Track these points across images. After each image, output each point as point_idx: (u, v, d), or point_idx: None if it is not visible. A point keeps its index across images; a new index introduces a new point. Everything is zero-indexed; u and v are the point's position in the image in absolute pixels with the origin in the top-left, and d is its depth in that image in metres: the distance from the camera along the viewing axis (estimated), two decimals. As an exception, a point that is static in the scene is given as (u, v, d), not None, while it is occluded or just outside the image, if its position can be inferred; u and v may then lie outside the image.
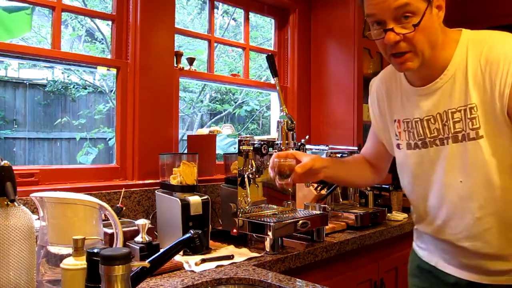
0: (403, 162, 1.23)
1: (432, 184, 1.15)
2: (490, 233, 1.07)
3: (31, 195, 1.12)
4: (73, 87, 4.93)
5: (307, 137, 2.08)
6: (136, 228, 1.40)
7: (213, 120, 5.39)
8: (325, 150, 2.09)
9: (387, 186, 2.45)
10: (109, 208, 1.13)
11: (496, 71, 1.00)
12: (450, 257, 1.19)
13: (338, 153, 2.10)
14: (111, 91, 4.87)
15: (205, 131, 2.10)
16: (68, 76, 4.91)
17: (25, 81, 4.72)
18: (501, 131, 1.02)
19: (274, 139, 1.75)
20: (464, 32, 1.09)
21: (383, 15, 1.01)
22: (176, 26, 2.03)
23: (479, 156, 1.04)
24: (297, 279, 1.29)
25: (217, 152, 2.10)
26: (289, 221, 1.62)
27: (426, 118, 1.13)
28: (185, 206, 1.55)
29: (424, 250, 1.28)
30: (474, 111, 1.04)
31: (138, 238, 1.37)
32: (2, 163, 0.97)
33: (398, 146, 1.23)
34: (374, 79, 1.36)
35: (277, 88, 1.77)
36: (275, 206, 1.84)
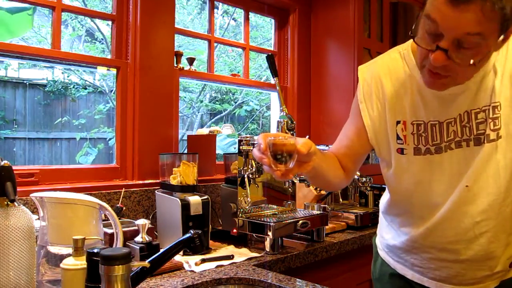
0: (405, 168, 1.10)
1: (434, 190, 1.07)
2: (485, 236, 1.04)
3: (31, 195, 1.12)
4: (73, 87, 4.93)
5: (307, 137, 2.08)
6: (136, 228, 1.40)
7: (213, 120, 5.40)
8: (325, 150, 2.08)
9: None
10: (109, 208, 1.13)
11: None
12: (428, 270, 1.14)
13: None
14: (111, 91, 4.88)
15: (205, 131, 2.10)
16: (68, 76, 4.91)
17: (25, 81, 4.72)
18: None
19: (274, 139, 1.74)
20: None
21: (447, 31, 0.85)
22: (176, 26, 2.03)
23: (493, 158, 0.99)
24: (297, 279, 1.29)
25: (217, 152, 2.10)
26: (289, 221, 1.62)
27: (447, 121, 1.02)
28: (185, 206, 1.55)
29: (398, 263, 1.23)
30: (498, 110, 0.97)
31: (138, 238, 1.37)
32: (2, 163, 0.97)
33: (400, 151, 1.09)
34: (366, 67, 1.17)
35: (277, 88, 1.77)
36: (275, 206, 1.84)
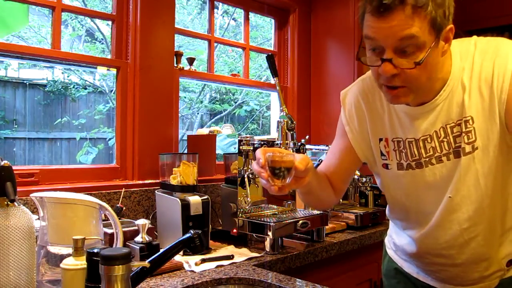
0: (394, 182, 1.16)
1: (421, 200, 1.12)
2: (475, 240, 1.07)
3: (31, 195, 1.12)
4: (73, 87, 4.93)
5: (307, 137, 2.08)
6: (136, 228, 1.40)
7: (213, 120, 5.39)
8: (325, 150, 2.08)
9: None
10: (109, 208, 1.13)
11: (492, 76, 0.97)
12: (429, 271, 1.18)
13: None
14: (111, 91, 4.87)
15: (205, 131, 2.10)
16: (68, 76, 4.91)
17: (25, 81, 4.72)
18: (496, 138, 1.00)
19: (274, 139, 1.75)
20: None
21: (384, 42, 0.91)
22: (176, 26, 2.03)
23: (471, 169, 1.02)
24: (297, 279, 1.29)
25: (217, 152, 2.09)
26: (289, 221, 1.62)
27: (423, 138, 1.06)
28: (185, 206, 1.55)
29: (404, 261, 1.27)
30: (470, 123, 1.00)
31: (138, 238, 1.37)
32: (2, 163, 0.97)
33: (385, 166, 1.15)
34: (346, 92, 1.23)
35: (277, 88, 1.77)
36: (275, 206, 1.84)
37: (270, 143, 1.72)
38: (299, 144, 1.75)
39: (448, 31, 0.94)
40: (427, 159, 1.07)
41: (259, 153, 0.98)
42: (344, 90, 1.24)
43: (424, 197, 1.11)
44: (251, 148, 1.68)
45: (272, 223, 1.56)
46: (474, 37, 1.04)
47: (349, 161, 1.22)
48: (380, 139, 1.15)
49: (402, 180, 1.13)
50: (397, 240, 1.26)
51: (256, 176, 1.69)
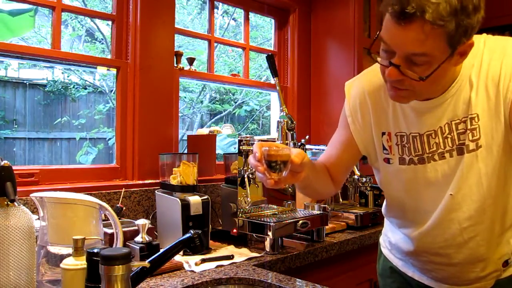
0: (394, 177, 1.15)
1: (421, 198, 1.11)
2: (474, 240, 1.07)
3: (31, 195, 1.12)
4: (73, 87, 4.93)
5: (307, 137, 2.08)
6: (136, 228, 1.40)
7: (213, 120, 5.40)
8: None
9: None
10: (109, 208, 1.13)
11: (499, 76, 0.97)
12: (425, 270, 1.18)
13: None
14: (111, 91, 4.88)
15: (205, 131, 2.10)
16: (68, 76, 4.91)
17: (25, 81, 4.72)
18: (501, 137, 1.00)
19: (274, 139, 1.75)
20: None
21: (396, 49, 0.91)
22: (176, 26, 2.03)
23: (474, 167, 1.02)
24: (297, 279, 1.29)
25: (217, 152, 2.10)
26: (289, 221, 1.62)
27: (427, 133, 1.06)
28: (185, 206, 1.55)
29: (400, 260, 1.27)
30: (475, 121, 1.00)
31: (138, 238, 1.37)
32: (2, 163, 0.97)
33: (387, 160, 1.14)
34: (352, 82, 1.22)
35: (277, 88, 1.77)
36: (275, 206, 1.84)
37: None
38: (299, 144, 1.75)
39: (467, 46, 0.91)
40: (430, 154, 1.06)
41: (255, 147, 1.00)
42: (349, 81, 1.23)
43: (424, 194, 1.10)
44: (251, 148, 1.67)
45: (272, 223, 1.56)
46: (484, 34, 1.04)
47: (350, 153, 1.22)
48: (383, 133, 1.14)
49: (403, 176, 1.12)
50: (393, 239, 1.26)
51: (255, 176, 1.69)
